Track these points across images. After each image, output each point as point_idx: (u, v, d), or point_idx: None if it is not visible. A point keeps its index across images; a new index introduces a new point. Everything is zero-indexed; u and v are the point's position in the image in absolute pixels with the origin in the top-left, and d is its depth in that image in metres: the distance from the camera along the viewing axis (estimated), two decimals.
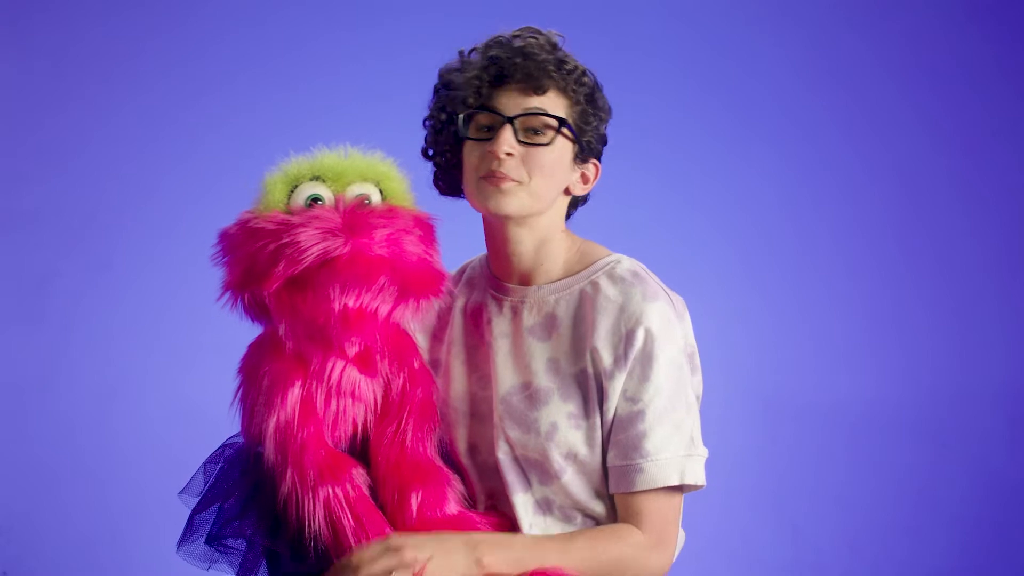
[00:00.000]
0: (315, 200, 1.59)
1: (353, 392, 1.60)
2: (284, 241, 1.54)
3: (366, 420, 1.62)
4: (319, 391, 1.58)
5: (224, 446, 1.68)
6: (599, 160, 1.76)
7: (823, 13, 3.52)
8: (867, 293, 3.47)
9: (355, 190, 1.61)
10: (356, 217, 1.56)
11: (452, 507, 1.63)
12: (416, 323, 1.66)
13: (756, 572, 3.30)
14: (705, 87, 3.48)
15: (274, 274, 1.53)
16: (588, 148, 1.72)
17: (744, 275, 3.43)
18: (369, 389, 1.62)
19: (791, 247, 3.47)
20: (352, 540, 1.55)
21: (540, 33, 1.71)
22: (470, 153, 1.69)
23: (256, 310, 1.60)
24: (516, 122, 1.65)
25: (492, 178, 1.65)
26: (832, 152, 3.50)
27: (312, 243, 1.53)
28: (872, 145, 3.51)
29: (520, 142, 1.65)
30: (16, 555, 3.15)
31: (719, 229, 3.45)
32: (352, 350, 1.59)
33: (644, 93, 3.30)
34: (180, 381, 3.21)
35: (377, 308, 1.55)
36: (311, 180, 1.61)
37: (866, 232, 3.49)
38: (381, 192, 1.63)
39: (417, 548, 1.53)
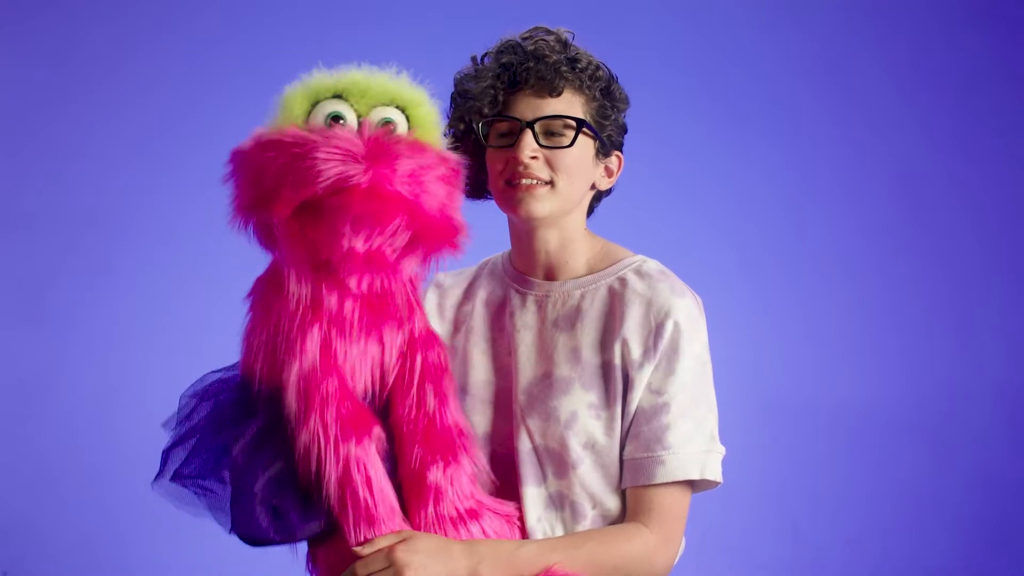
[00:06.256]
0: (336, 119, 1.48)
1: (378, 337, 1.51)
2: (297, 152, 1.42)
3: (383, 367, 1.54)
4: (338, 337, 1.49)
5: (204, 389, 1.68)
6: (621, 151, 1.77)
7: (823, 13, 3.52)
8: (867, 293, 3.47)
9: (380, 113, 1.50)
10: (380, 145, 1.43)
11: (467, 488, 1.57)
12: (424, 276, 1.58)
13: (756, 572, 3.30)
14: (705, 87, 3.48)
15: (285, 194, 1.41)
16: (609, 142, 1.72)
17: (744, 275, 3.42)
18: (387, 335, 1.52)
19: (791, 247, 3.47)
20: (361, 510, 1.48)
21: (550, 32, 1.71)
22: (493, 159, 1.69)
23: (265, 235, 1.49)
24: (536, 125, 1.65)
25: (519, 184, 1.65)
26: (832, 152, 3.50)
27: (329, 165, 1.40)
28: (872, 145, 3.51)
29: (541, 145, 1.65)
30: (16, 555, 3.14)
31: (719, 229, 3.45)
32: (360, 283, 1.48)
33: (644, 93, 3.29)
34: (180, 381, 3.19)
35: (387, 250, 1.45)
36: (333, 98, 1.50)
37: (866, 232, 3.49)
38: (408, 120, 1.52)
39: (421, 569, 1.49)
